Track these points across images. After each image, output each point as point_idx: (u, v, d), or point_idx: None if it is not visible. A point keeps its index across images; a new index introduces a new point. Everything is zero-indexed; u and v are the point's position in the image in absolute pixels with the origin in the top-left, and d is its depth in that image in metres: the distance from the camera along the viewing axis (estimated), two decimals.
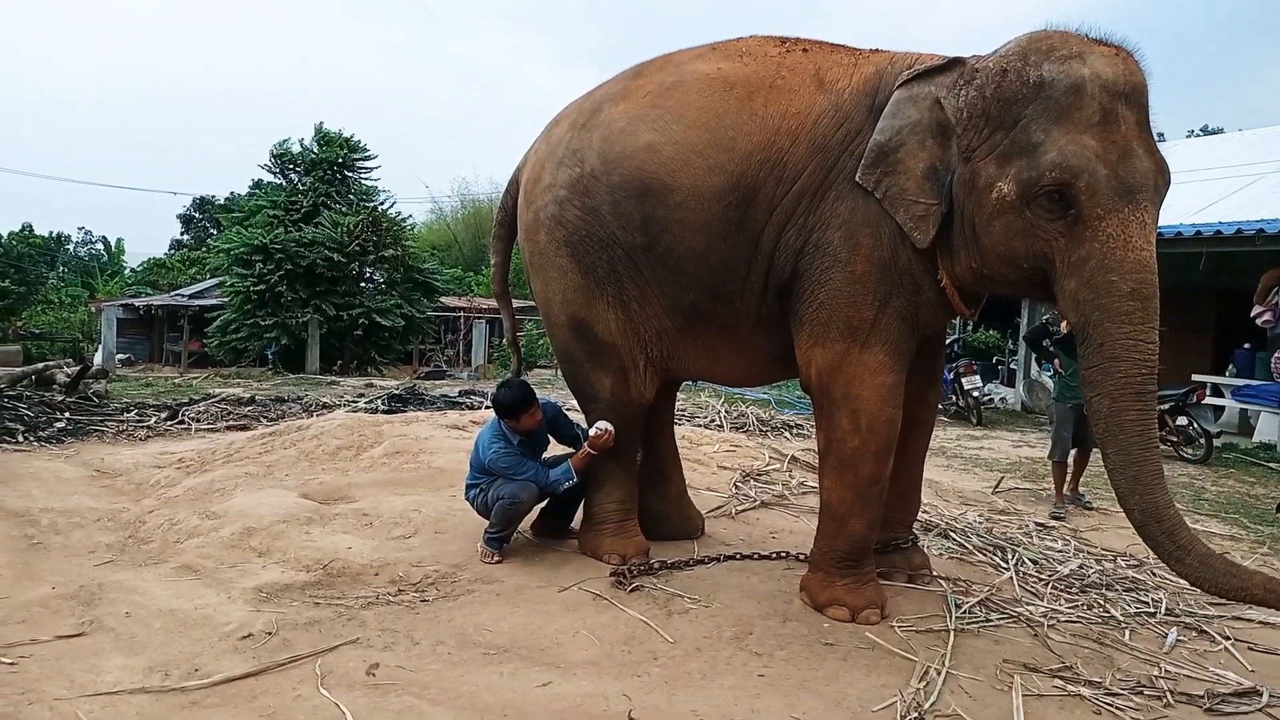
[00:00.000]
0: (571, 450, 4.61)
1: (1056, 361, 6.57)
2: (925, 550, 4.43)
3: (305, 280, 18.54)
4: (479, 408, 9.72)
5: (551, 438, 4.75)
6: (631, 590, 4.01)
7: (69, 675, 3.15)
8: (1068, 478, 6.56)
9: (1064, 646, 3.69)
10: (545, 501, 4.67)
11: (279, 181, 21.86)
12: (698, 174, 3.74)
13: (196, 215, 39.89)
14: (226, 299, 19.27)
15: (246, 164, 42.43)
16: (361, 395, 11.49)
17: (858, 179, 3.45)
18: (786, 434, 9.25)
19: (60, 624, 3.60)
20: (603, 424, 4.30)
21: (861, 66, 3.69)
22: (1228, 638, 3.88)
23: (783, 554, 4.50)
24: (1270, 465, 8.97)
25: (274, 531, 4.62)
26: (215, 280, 23.70)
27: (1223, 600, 3.15)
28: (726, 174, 3.69)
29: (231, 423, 8.90)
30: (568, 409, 5.02)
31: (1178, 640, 3.82)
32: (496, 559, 4.35)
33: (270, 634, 3.50)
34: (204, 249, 32.64)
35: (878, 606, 3.75)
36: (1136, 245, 3.03)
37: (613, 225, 3.97)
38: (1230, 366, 11.49)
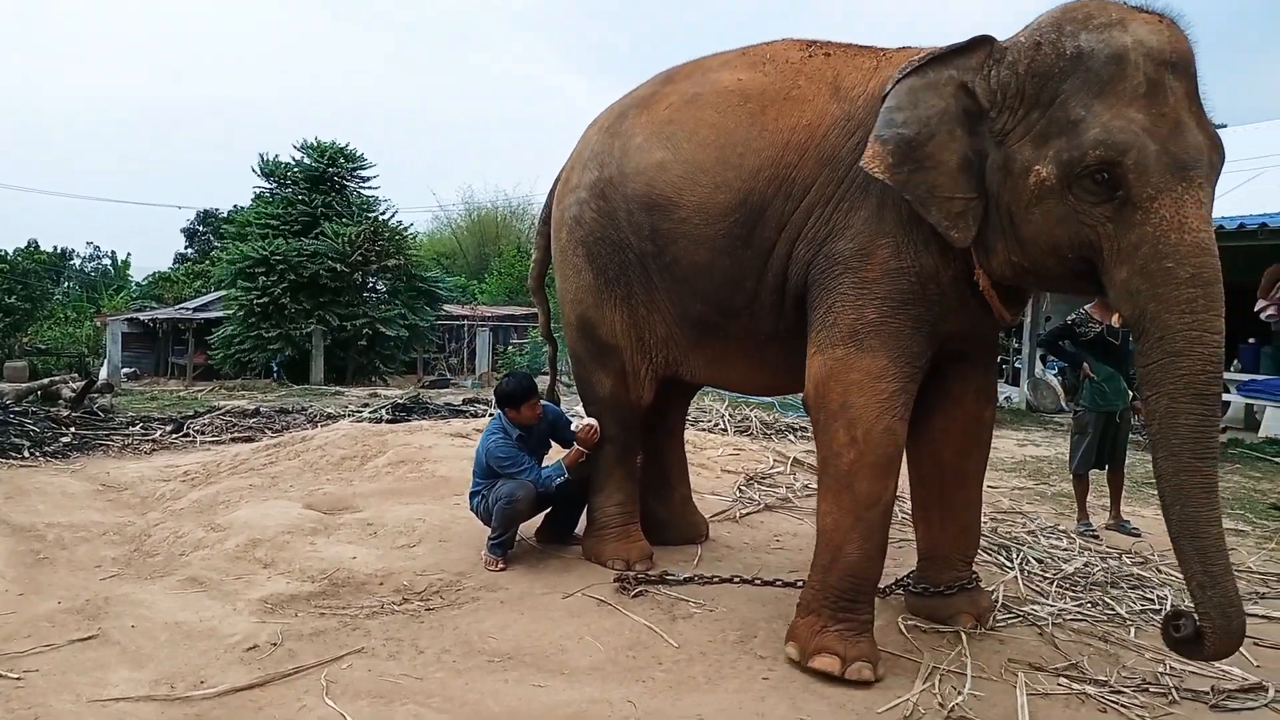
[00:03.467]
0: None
1: (1086, 366, 5.87)
2: (988, 592, 3.98)
3: (309, 291, 18.60)
4: (482, 415, 9.71)
5: (553, 441, 4.77)
6: (635, 595, 4.01)
7: (74, 689, 3.15)
8: (1100, 499, 6.09)
9: (1070, 645, 3.70)
10: (549, 508, 4.68)
11: (276, 193, 21.89)
12: (704, 192, 3.69)
13: (200, 229, 39.97)
14: (230, 311, 19.32)
15: (252, 177, 42.62)
16: (366, 405, 11.51)
17: (886, 181, 3.15)
18: (790, 437, 9.25)
19: (67, 638, 3.61)
20: (588, 419, 4.39)
21: (882, 69, 3.47)
22: None
23: (778, 581, 4.18)
24: (1277, 460, 8.94)
25: (279, 543, 4.64)
26: (219, 293, 23.77)
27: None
28: (733, 191, 3.61)
29: (236, 435, 8.92)
30: (573, 414, 5.05)
31: None
32: (501, 566, 4.36)
33: (275, 645, 3.51)
34: (208, 262, 32.70)
35: (872, 662, 3.29)
36: (1193, 227, 2.73)
37: (626, 230, 4.01)
38: (1235, 361, 11.47)
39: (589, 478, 4.49)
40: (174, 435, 8.73)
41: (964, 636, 3.61)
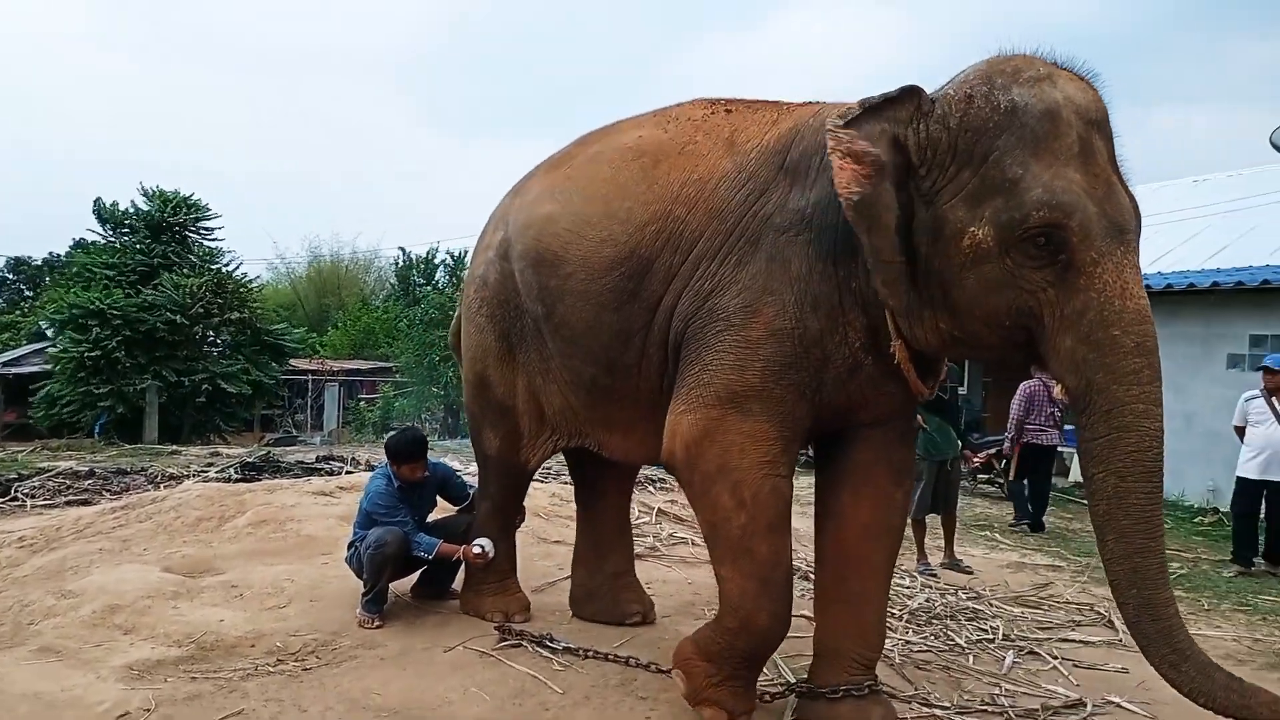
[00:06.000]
0: (458, 516, 4.78)
1: (919, 417, 6.47)
2: (888, 701, 3.51)
3: (144, 345, 17.63)
4: (338, 473, 9.51)
5: (441, 498, 4.85)
6: (516, 646, 4.11)
7: None
8: (936, 540, 6.56)
9: (916, 673, 4.05)
10: (422, 567, 4.71)
11: (109, 242, 20.76)
12: (590, 246, 3.61)
13: (10, 277, 37.23)
14: (54, 366, 18.05)
15: (68, 222, 39.93)
16: (210, 465, 11.02)
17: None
18: (650, 488, 9.50)
19: None
20: (486, 543, 4.38)
21: (780, 123, 3.34)
22: (1056, 657, 4.35)
23: (653, 665, 3.86)
24: (1084, 501, 9.86)
25: (138, 608, 4.47)
26: (33, 346, 22.17)
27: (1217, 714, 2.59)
28: (618, 245, 3.52)
29: (71, 498, 8.40)
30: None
31: (1014, 662, 4.26)
32: (377, 624, 4.36)
33: (148, 710, 3.42)
34: (18, 312, 30.45)
35: (749, 713, 3.39)
36: (1134, 293, 2.64)
37: (522, 292, 3.97)
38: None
39: (467, 531, 4.57)
40: (0, 499, 8.14)
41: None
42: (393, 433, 4.72)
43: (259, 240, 77.83)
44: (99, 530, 6.08)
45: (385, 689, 3.70)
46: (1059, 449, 11.55)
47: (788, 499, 3.22)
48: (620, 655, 4.01)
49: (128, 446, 15.52)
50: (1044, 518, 8.59)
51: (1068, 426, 11.41)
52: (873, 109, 2.90)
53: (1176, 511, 9.79)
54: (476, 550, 4.37)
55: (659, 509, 7.37)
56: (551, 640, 4.13)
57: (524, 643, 4.13)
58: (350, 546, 4.58)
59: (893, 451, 3.42)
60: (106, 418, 17.64)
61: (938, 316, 2.90)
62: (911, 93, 2.91)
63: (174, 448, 15.21)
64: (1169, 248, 12.13)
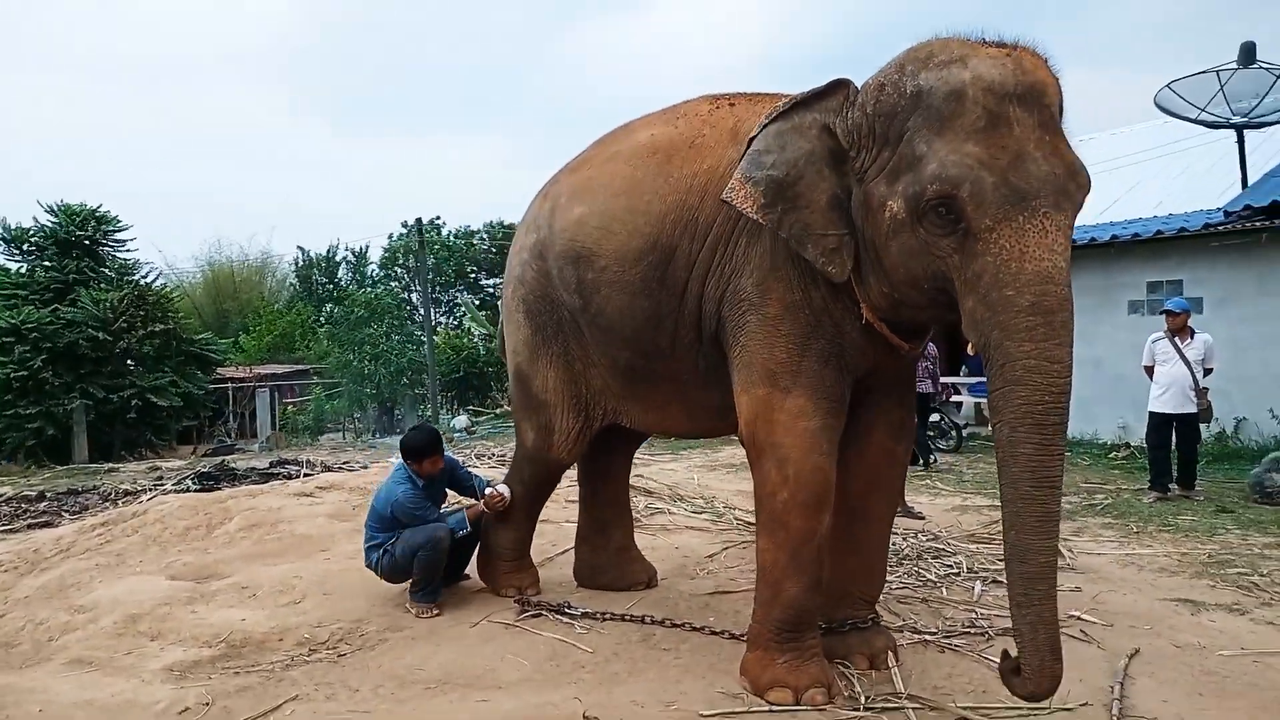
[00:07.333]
0: (470, 502, 4.96)
1: None
2: (888, 630, 3.99)
3: (67, 363, 17.06)
4: (297, 476, 9.59)
5: (450, 490, 5.06)
6: (535, 616, 4.42)
7: None
8: None
9: (901, 607, 4.52)
10: None
11: (13, 265, 19.92)
12: (619, 240, 3.87)
13: None
14: None
15: None
16: (160, 480, 10.92)
17: (760, 220, 3.28)
18: None
19: None
20: (503, 488, 4.69)
21: None
22: None
23: (655, 620, 4.31)
24: None
25: (158, 615, 4.63)
26: None
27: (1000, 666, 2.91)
28: (644, 236, 3.79)
29: (32, 521, 8.32)
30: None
31: (983, 590, 4.77)
32: (435, 612, 4.55)
33: (207, 704, 3.62)
34: None
35: (824, 685, 3.44)
36: (1034, 256, 2.76)
37: (559, 287, 4.22)
38: (964, 367, 13.34)
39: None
40: None
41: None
42: (409, 433, 4.86)
43: (144, 250, 73.39)
44: (86, 548, 6.13)
45: (426, 664, 3.97)
46: (979, 402, 12.41)
47: (829, 478, 3.43)
48: (636, 615, 4.38)
49: (60, 468, 15.11)
50: (930, 456, 9.91)
51: (973, 380, 12.28)
52: (801, 102, 3.30)
53: (1092, 449, 10.63)
54: (493, 493, 4.67)
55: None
56: (569, 608, 4.47)
57: (543, 612, 4.46)
58: (374, 549, 4.68)
59: (893, 412, 3.77)
60: (38, 440, 16.96)
61: (879, 281, 3.21)
62: (840, 84, 3.29)
63: (109, 465, 14.88)
64: None
